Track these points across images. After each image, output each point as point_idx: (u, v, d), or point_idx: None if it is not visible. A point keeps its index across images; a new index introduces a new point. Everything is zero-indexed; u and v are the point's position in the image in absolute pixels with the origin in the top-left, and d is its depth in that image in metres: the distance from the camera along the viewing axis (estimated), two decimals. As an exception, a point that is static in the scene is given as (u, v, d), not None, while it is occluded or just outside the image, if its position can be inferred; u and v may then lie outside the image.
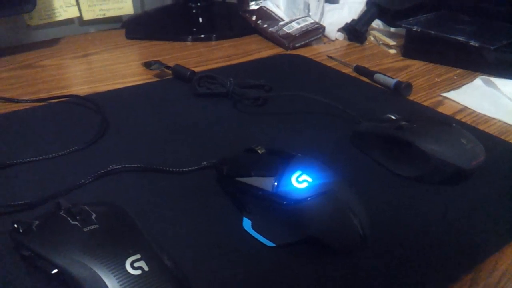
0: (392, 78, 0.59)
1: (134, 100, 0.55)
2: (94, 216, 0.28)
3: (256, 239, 0.33)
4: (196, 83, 0.56)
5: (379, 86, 0.60)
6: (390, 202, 0.38)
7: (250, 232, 0.34)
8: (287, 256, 0.32)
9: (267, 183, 0.33)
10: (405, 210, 0.37)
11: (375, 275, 0.31)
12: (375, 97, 0.57)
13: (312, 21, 0.78)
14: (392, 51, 0.73)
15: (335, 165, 0.35)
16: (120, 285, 0.25)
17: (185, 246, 0.32)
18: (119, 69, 0.67)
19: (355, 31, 0.76)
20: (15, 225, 0.29)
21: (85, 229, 0.27)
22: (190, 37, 0.79)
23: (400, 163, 0.41)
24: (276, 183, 0.33)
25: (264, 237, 0.33)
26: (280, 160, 0.35)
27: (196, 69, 0.62)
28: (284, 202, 0.32)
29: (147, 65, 0.64)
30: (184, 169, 0.41)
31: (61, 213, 0.29)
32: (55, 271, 0.26)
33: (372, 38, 0.78)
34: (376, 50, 0.75)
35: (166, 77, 0.63)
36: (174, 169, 0.40)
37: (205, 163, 0.41)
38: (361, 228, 0.32)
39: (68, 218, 0.28)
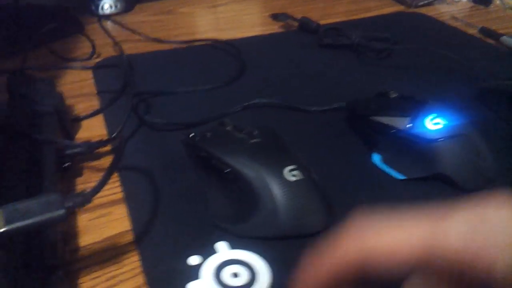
0: (521, 41, 0.58)
1: (265, 47, 0.60)
2: (255, 132, 0.34)
3: (386, 173, 0.37)
4: (322, 34, 0.60)
5: (505, 48, 0.59)
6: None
7: (380, 166, 0.38)
8: (415, 188, 0.36)
9: (402, 123, 0.37)
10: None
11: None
12: (501, 59, 0.57)
13: (436, -20, 0.77)
14: (520, 15, 0.71)
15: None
16: (281, 187, 0.30)
17: (320, 174, 0.36)
18: (247, 19, 0.72)
19: (482, -7, 0.74)
20: (192, 135, 0.36)
21: (251, 141, 0.33)
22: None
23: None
24: (410, 123, 0.36)
25: (394, 170, 0.37)
26: (414, 103, 0.38)
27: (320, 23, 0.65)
28: (418, 141, 0.35)
29: (274, 17, 0.69)
30: (316, 109, 0.45)
31: (228, 128, 0.35)
32: (228, 170, 0.32)
33: (498, 1, 0.76)
34: (502, 13, 0.73)
35: (292, 29, 0.67)
36: (307, 108, 0.45)
37: (336, 104, 0.45)
38: (488, 171, 0.35)
39: (235, 132, 0.34)
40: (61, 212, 0.22)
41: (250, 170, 0.31)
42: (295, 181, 0.31)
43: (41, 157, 0.33)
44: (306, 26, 0.65)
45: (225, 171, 0.32)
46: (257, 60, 0.56)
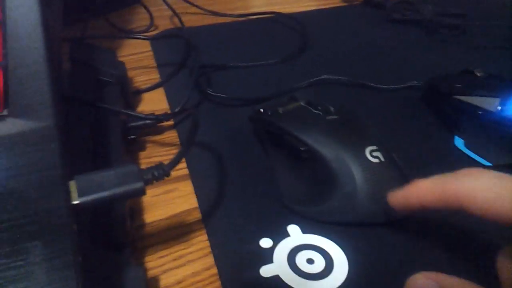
0: None
1: (328, 21, 0.57)
2: (332, 109, 0.31)
3: (470, 157, 0.34)
4: (391, 8, 0.56)
5: None
6: None
7: (464, 150, 0.35)
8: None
9: (490, 104, 0.33)
10: None
11: None
12: None
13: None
14: None
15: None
16: (362, 169, 0.28)
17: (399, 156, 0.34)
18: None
19: None
20: (261, 109, 0.33)
21: (328, 118, 0.30)
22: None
23: None
24: (500, 105, 0.33)
25: (480, 156, 0.34)
26: (503, 84, 0.34)
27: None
28: (509, 125, 0.32)
29: (336, -10, 0.65)
30: (390, 87, 0.42)
31: (302, 104, 0.32)
32: (304, 148, 0.29)
33: None
34: None
35: (355, 3, 0.63)
36: (379, 86, 0.42)
37: (411, 82, 0.42)
38: None
39: (310, 108, 0.31)
40: (139, 185, 0.21)
41: (328, 149, 0.29)
42: (377, 163, 0.28)
43: (107, 128, 0.32)
44: (372, 0, 0.61)
45: (301, 149, 0.29)
46: (321, 35, 0.53)
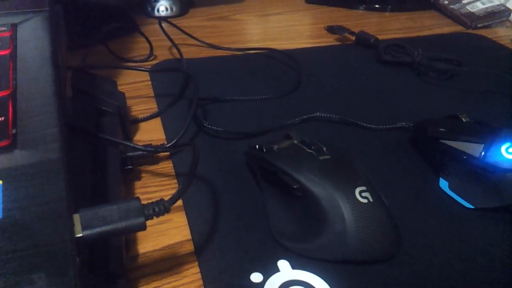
0: None
1: (322, 59, 0.59)
2: (324, 148, 0.33)
3: (453, 200, 0.35)
4: (383, 50, 0.58)
5: None
6: None
7: (448, 192, 0.36)
8: (485, 220, 0.34)
9: (474, 149, 0.35)
10: None
11: None
12: None
13: (498, 2, 0.75)
14: None
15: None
16: (352, 208, 0.29)
17: (384, 196, 0.35)
18: (301, 30, 0.71)
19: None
20: (257, 146, 0.35)
21: (320, 158, 0.32)
22: (363, 6, 0.81)
23: None
24: (484, 151, 0.34)
25: (462, 198, 0.35)
26: (487, 130, 0.36)
27: (377, 38, 0.64)
28: (492, 171, 0.34)
29: (330, 29, 0.67)
30: (380, 127, 0.44)
31: (296, 142, 0.34)
32: (297, 186, 0.30)
33: None
34: None
35: (347, 42, 0.66)
36: (370, 126, 0.44)
37: (400, 123, 0.43)
38: None
39: (304, 147, 0.33)
40: (140, 220, 0.22)
41: (320, 188, 0.30)
42: (366, 203, 0.30)
43: (106, 158, 0.33)
44: (364, 41, 0.63)
45: (294, 187, 0.31)
46: (315, 72, 0.55)
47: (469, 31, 0.72)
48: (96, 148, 0.34)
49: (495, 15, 0.74)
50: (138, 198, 0.22)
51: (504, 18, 0.74)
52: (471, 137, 0.36)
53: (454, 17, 0.76)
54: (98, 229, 0.21)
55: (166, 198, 0.24)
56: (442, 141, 0.37)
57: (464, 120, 0.38)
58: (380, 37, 0.65)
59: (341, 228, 0.29)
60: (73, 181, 0.27)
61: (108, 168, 0.32)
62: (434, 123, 0.39)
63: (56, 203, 0.21)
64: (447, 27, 0.74)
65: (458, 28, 0.74)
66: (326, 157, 0.32)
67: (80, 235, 0.21)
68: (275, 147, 0.34)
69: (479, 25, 0.73)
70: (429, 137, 0.38)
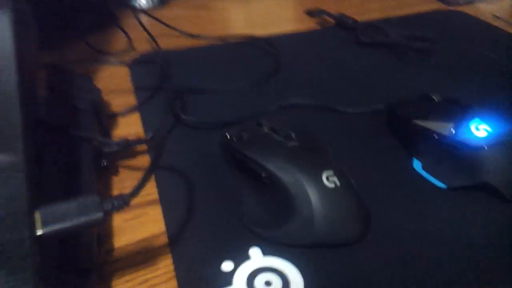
0: None
1: (301, 45, 0.59)
2: (293, 135, 0.33)
3: (426, 180, 0.36)
4: (360, 32, 0.58)
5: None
6: None
7: (421, 173, 0.36)
8: (458, 199, 0.34)
9: (445, 128, 0.35)
10: None
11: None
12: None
13: (480, -23, 0.74)
14: None
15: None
16: (319, 194, 0.30)
17: (358, 179, 0.34)
18: (282, 14, 0.71)
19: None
20: (228, 135, 0.35)
21: (289, 144, 0.32)
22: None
23: None
24: (454, 129, 0.35)
25: (435, 178, 0.36)
26: (458, 108, 0.36)
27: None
28: (462, 148, 0.34)
29: (310, 13, 0.67)
30: (354, 111, 0.44)
31: (265, 130, 0.34)
32: (265, 173, 0.31)
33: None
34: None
35: (328, 25, 0.66)
36: (346, 110, 0.44)
37: (374, 106, 0.44)
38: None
39: (273, 134, 0.33)
40: (99, 215, 0.22)
41: (287, 175, 0.30)
42: (333, 187, 0.30)
43: (79, 155, 0.33)
44: (343, 23, 0.63)
45: (262, 175, 0.31)
46: (294, 59, 0.55)
47: (451, 7, 0.72)
48: (70, 144, 0.34)
49: (477, -9, 0.73)
50: (97, 193, 0.23)
51: (487, -7, 0.74)
52: (442, 116, 0.36)
53: (436, -6, 0.75)
54: (58, 225, 0.21)
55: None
56: (413, 121, 0.37)
57: (436, 100, 0.39)
58: (360, 18, 0.65)
59: (309, 214, 0.29)
60: (43, 178, 0.28)
61: (81, 165, 0.33)
62: (406, 104, 0.39)
63: (16, 201, 0.21)
64: (428, 4, 0.73)
65: (438, 5, 0.73)
66: (294, 143, 0.32)
67: (40, 232, 0.21)
68: (245, 135, 0.34)
69: (461, 1, 0.72)
70: (401, 118, 0.38)
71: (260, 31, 0.63)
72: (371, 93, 0.48)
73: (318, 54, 0.57)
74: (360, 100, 0.46)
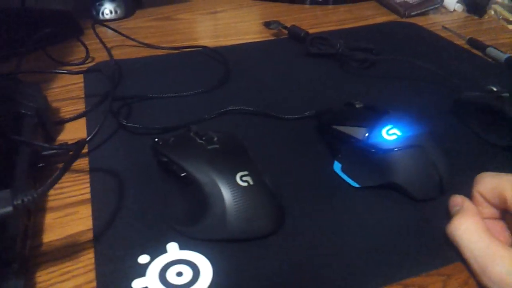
0: (505, 53, 0.58)
1: (253, 55, 0.62)
2: (215, 139, 0.36)
3: (343, 180, 0.39)
4: (309, 43, 0.61)
5: (490, 60, 0.60)
6: (474, 165, 0.40)
7: (339, 174, 0.39)
8: (369, 197, 0.37)
9: (360, 133, 0.38)
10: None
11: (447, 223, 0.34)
12: (483, 70, 0.57)
13: (431, -10, 0.78)
14: (512, 26, 0.71)
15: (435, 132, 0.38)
16: (231, 192, 0.32)
17: (281, 179, 0.38)
18: (242, 26, 0.74)
19: (475, 4, 0.74)
20: (156, 139, 0.38)
21: (209, 147, 0.35)
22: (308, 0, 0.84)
23: (495, 133, 0.43)
24: (367, 133, 0.37)
25: (351, 178, 0.38)
26: (374, 114, 0.39)
27: (311, 31, 0.67)
28: (373, 151, 0.37)
29: (267, 24, 0.70)
30: (289, 116, 0.47)
31: (191, 134, 0.37)
32: (184, 174, 0.33)
33: (492, 12, 0.76)
34: (494, 24, 0.73)
35: (283, 37, 0.69)
36: (281, 116, 0.47)
37: (307, 112, 0.46)
38: (440, 181, 0.36)
39: (196, 138, 0.36)
40: (8, 209, 0.24)
41: (203, 175, 0.33)
42: (245, 186, 0.33)
43: (15, 157, 0.36)
44: (295, 35, 0.66)
45: (181, 175, 0.34)
46: (244, 68, 0.58)
47: (403, 19, 0.76)
48: (7, 148, 0.36)
49: (428, 2, 0.77)
50: (9, 190, 0.25)
51: (437, 5, 0.77)
52: (357, 121, 0.39)
53: (390, 6, 0.79)
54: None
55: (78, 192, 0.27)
56: (334, 126, 0.40)
57: (357, 106, 0.41)
58: (316, 30, 0.69)
59: (221, 210, 0.32)
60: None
61: (16, 166, 0.35)
62: (330, 111, 0.42)
63: None
64: (383, 17, 0.77)
65: (393, 17, 0.77)
66: (214, 146, 0.35)
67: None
68: (171, 139, 0.37)
69: (412, 13, 0.76)
70: (324, 124, 0.41)
71: (216, 42, 0.66)
72: (310, 101, 0.51)
73: (268, 64, 0.60)
74: (299, 107, 0.48)
